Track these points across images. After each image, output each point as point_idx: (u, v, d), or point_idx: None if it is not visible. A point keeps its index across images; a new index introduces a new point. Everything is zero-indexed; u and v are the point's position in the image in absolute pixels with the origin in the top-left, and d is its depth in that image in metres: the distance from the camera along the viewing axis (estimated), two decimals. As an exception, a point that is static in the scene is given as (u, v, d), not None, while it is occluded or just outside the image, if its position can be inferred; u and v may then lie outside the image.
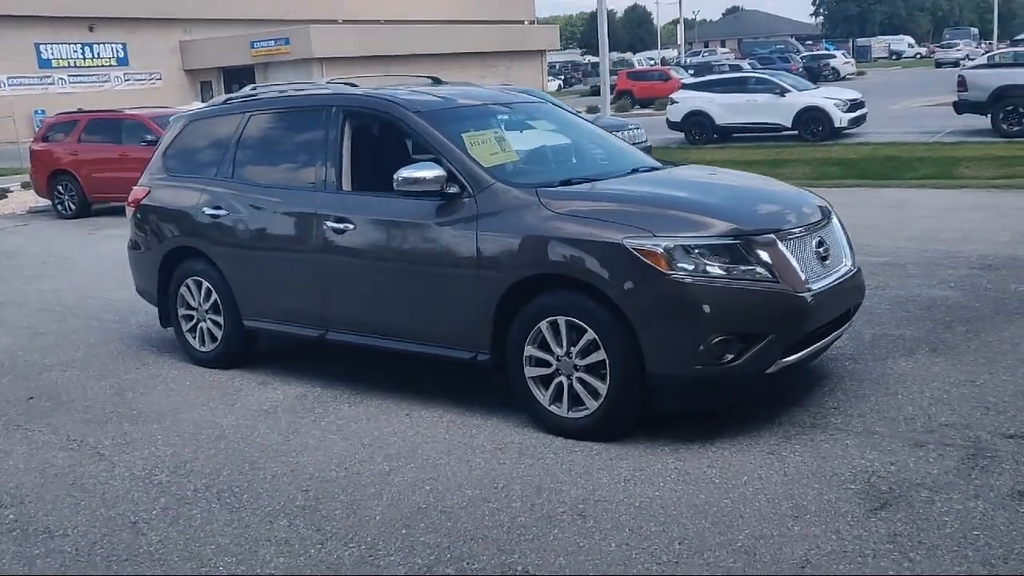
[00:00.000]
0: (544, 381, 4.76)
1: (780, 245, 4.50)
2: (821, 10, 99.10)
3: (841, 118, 20.58)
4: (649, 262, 4.34)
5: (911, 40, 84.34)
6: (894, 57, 75.55)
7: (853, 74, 48.40)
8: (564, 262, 4.58)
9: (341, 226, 5.38)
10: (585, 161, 5.74)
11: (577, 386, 4.63)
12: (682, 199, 4.87)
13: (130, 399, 5.78)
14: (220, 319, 6.20)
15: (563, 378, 4.67)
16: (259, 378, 6.04)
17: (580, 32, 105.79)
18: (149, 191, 6.61)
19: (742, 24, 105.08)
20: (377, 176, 5.41)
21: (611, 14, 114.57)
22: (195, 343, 6.41)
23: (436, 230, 5.01)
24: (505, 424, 4.93)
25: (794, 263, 4.52)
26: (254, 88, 6.49)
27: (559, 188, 4.92)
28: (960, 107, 19.38)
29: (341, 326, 5.58)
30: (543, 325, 4.67)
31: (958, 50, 55.19)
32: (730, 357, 4.36)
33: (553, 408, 4.73)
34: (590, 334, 4.51)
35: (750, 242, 4.43)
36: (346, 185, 5.52)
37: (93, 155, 15.34)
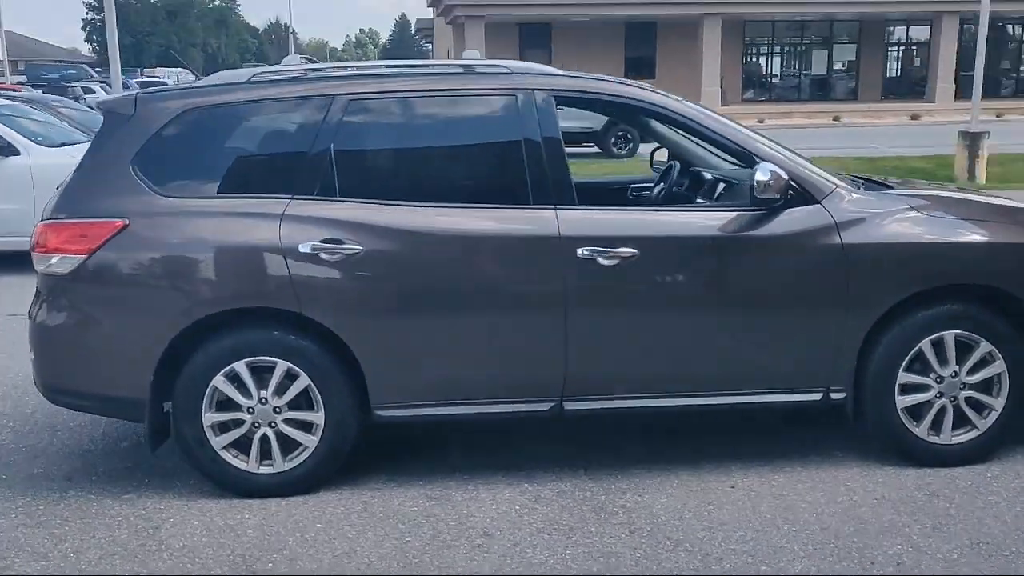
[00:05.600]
0: (913, 410, 4.18)
1: None
2: (94, 36, 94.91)
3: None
4: (1058, 257, 4.17)
5: (190, 73, 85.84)
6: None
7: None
8: (964, 271, 4.12)
9: (613, 251, 3.93)
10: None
11: (964, 407, 4.18)
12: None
13: None
14: (314, 416, 3.97)
15: (946, 401, 4.17)
16: (408, 493, 4.03)
17: None
18: (127, 224, 3.87)
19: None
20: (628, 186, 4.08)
21: None
22: (246, 464, 3.99)
23: (772, 247, 4.03)
24: (862, 468, 4.20)
25: None
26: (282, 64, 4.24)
27: (898, 192, 4.40)
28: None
29: (594, 390, 4.07)
30: (925, 345, 4.11)
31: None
32: None
33: (932, 438, 4.19)
34: (985, 345, 4.12)
35: None
36: (572, 198, 4.05)
37: None
